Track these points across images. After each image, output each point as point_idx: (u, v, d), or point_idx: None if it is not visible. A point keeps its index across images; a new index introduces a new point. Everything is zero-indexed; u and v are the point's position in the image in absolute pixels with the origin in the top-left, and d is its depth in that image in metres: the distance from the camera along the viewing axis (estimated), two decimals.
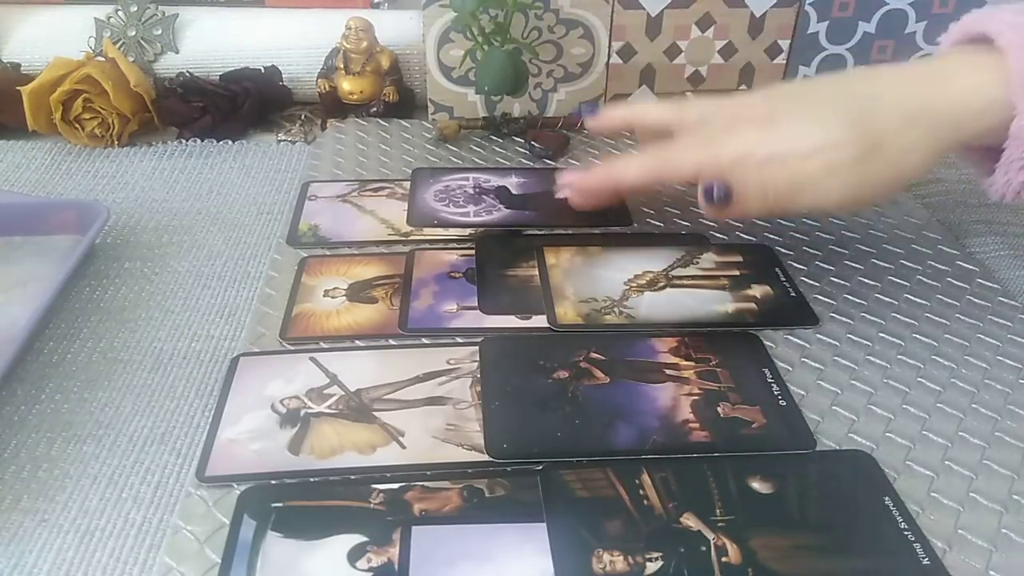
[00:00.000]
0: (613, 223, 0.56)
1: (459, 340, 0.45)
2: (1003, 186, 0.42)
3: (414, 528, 0.34)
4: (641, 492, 0.36)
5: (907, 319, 0.48)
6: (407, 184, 0.59)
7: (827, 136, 0.41)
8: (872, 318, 0.48)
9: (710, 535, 0.34)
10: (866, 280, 0.51)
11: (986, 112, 0.40)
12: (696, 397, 0.41)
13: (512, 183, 0.60)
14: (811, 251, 0.54)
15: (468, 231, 0.54)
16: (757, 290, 0.49)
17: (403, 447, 0.38)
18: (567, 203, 0.53)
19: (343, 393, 0.41)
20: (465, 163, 0.63)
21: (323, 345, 0.45)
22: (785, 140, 0.42)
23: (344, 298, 0.48)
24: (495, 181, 0.60)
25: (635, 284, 0.49)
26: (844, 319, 0.48)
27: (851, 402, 0.42)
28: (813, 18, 0.65)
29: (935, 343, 0.46)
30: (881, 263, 0.53)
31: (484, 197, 0.58)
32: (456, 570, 0.33)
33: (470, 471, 0.37)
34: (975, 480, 0.38)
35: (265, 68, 0.72)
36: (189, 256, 0.53)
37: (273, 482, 0.37)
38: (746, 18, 0.65)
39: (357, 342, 0.45)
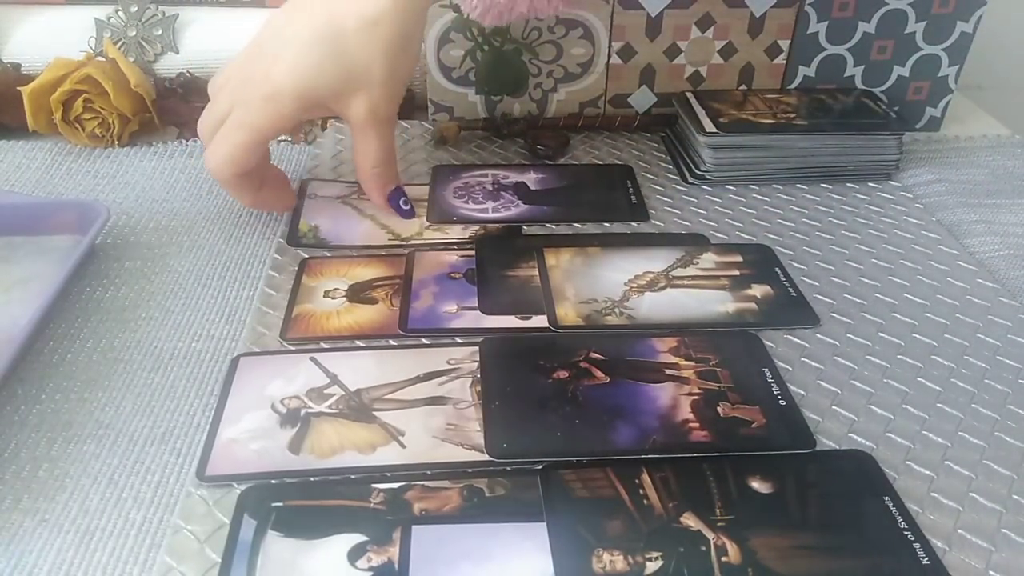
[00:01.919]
0: (630, 219, 0.56)
1: (459, 340, 0.45)
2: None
3: (414, 528, 0.34)
4: (641, 492, 0.36)
5: (907, 319, 0.48)
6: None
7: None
8: (872, 318, 0.48)
9: (710, 535, 0.34)
10: (866, 280, 0.51)
11: None
12: (696, 397, 0.41)
13: (531, 179, 0.60)
14: (811, 251, 0.54)
15: (470, 236, 0.54)
16: (757, 290, 0.49)
17: (403, 447, 0.38)
18: (586, 199, 0.53)
19: (343, 393, 0.41)
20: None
21: (324, 345, 0.45)
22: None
23: (344, 299, 0.48)
24: (514, 177, 0.60)
25: (635, 284, 0.49)
26: (844, 319, 0.48)
27: (851, 402, 0.42)
28: (813, 18, 0.65)
29: (935, 343, 0.46)
30: (881, 263, 0.53)
31: (503, 193, 0.58)
32: (456, 569, 0.33)
33: (470, 471, 0.37)
34: (975, 480, 0.38)
35: None
36: (189, 256, 0.53)
37: (273, 481, 0.37)
38: (746, 18, 0.65)
39: (357, 342, 0.45)
